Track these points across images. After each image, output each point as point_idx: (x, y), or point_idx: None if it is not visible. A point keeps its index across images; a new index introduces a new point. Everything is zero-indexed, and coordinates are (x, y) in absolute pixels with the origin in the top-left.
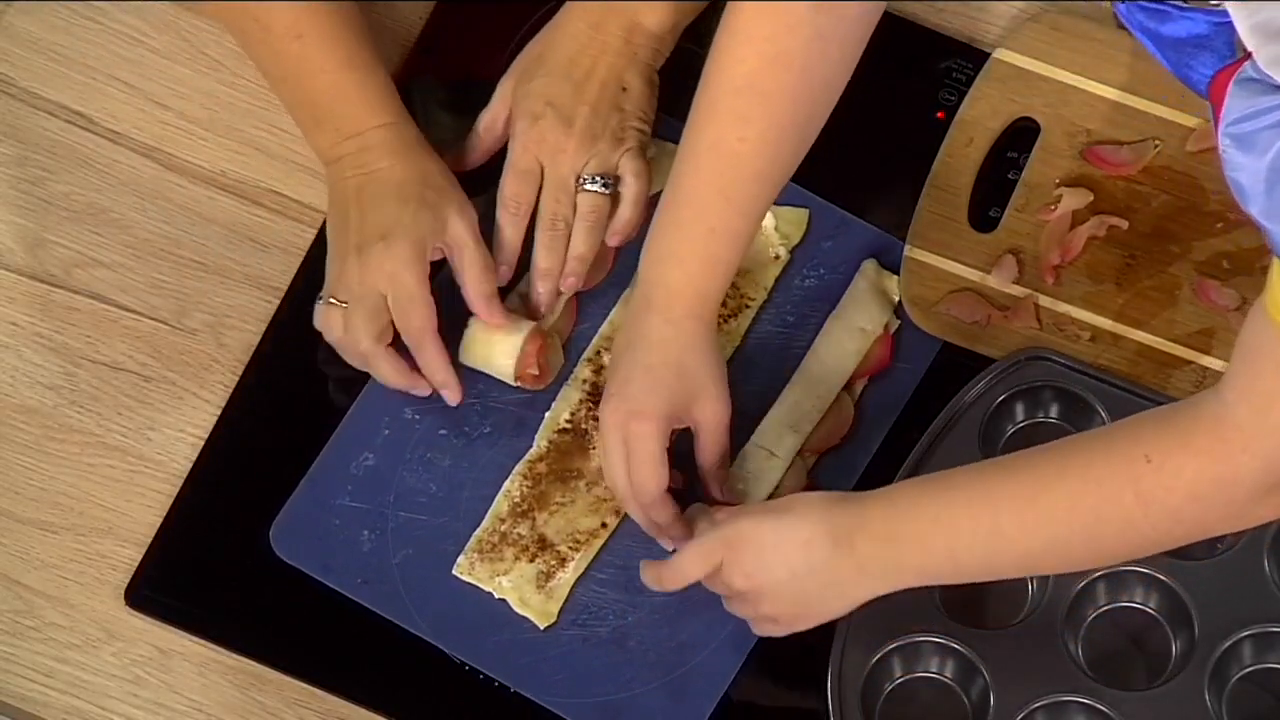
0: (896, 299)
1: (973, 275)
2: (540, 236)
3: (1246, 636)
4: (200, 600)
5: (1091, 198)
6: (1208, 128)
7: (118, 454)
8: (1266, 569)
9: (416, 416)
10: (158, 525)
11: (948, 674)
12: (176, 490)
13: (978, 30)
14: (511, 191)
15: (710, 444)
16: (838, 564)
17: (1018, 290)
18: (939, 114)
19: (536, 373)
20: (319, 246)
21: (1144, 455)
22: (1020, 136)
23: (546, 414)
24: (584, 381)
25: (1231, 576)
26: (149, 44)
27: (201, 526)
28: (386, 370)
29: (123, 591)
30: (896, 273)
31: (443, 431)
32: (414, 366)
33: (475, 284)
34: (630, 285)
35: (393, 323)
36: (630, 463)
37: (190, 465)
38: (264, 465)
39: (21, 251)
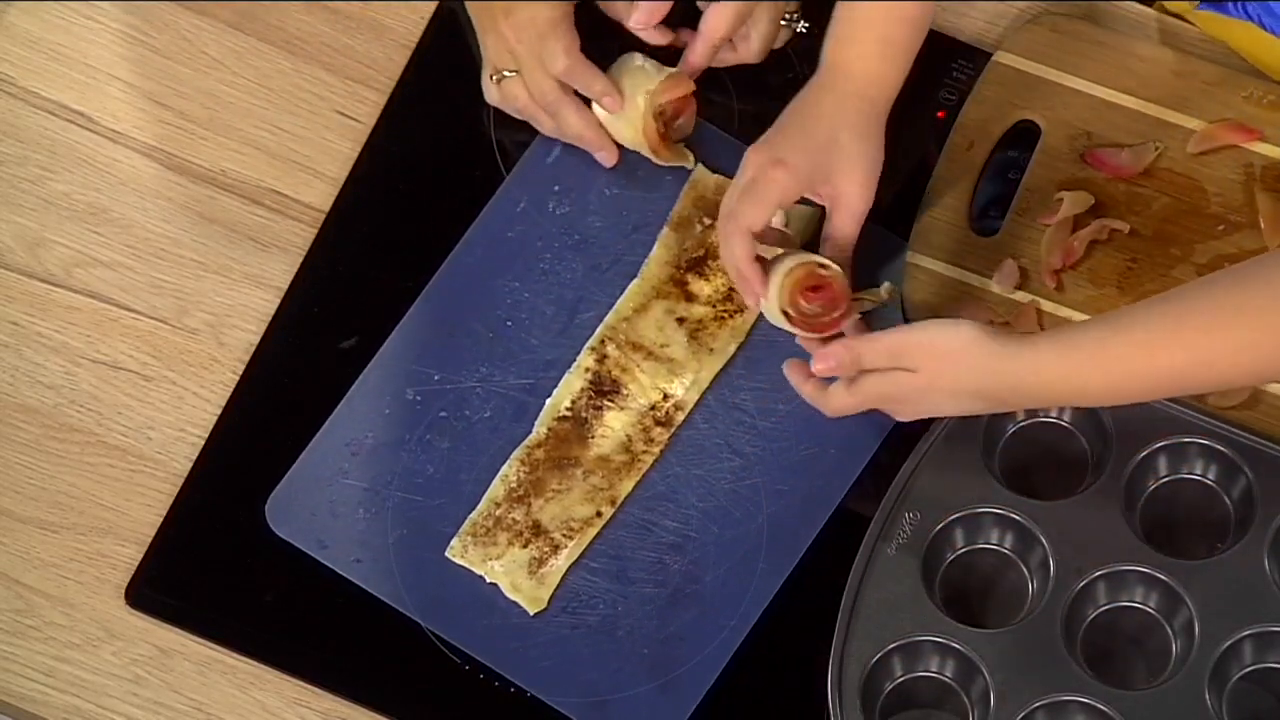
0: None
1: (974, 280)
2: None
3: (1246, 636)
4: (200, 600)
5: (1092, 201)
6: (1208, 129)
7: (118, 453)
8: (1266, 569)
9: (418, 398)
10: (158, 525)
11: (948, 674)
12: (176, 490)
13: (978, 30)
14: None
15: (841, 223)
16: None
17: (1020, 295)
18: (939, 114)
19: (662, 128)
20: (319, 246)
21: None
22: (1021, 136)
23: (548, 400)
24: (586, 370)
25: (1231, 576)
26: (149, 44)
27: (201, 526)
28: (574, 119)
29: (123, 591)
30: (900, 276)
31: (443, 414)
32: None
33: None
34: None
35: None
36: (744, 194)
37: (190, 465)
38: (264, 464)
39: (21, 251)
